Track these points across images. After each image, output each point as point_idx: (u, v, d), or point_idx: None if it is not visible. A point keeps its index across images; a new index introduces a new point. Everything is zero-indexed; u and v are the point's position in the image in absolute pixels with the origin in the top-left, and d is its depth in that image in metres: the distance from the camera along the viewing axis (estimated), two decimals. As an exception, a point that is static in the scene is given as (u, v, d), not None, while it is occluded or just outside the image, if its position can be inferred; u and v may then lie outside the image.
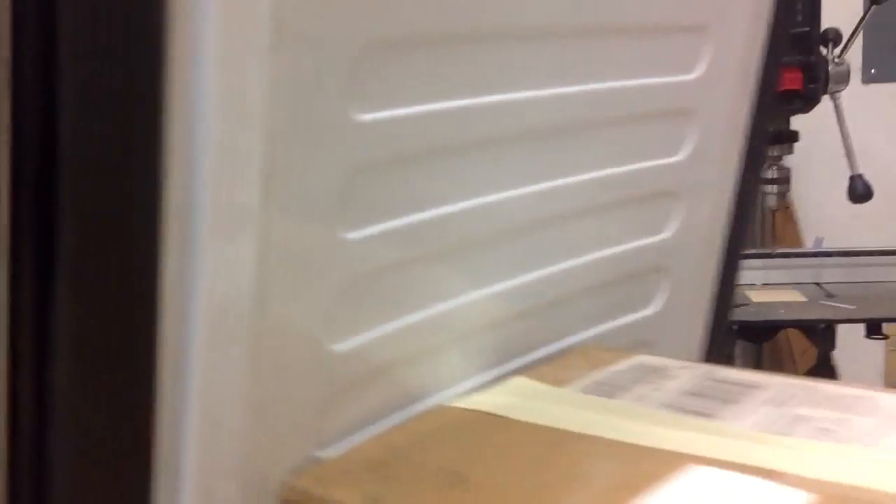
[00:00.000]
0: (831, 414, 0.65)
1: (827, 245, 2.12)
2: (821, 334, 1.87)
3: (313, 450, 0.61)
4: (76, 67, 0.45)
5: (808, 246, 2.24)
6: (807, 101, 1.81)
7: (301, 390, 0.59)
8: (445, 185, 0.66)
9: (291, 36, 0.53)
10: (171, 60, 0.48)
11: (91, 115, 0.47)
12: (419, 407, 0.68)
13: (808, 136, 1.91)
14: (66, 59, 0.45)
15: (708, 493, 0.55)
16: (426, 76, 0.62)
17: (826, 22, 1.83)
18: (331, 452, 0.62)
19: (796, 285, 1.90)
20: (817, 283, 1.89)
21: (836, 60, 1.83)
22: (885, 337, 1.83)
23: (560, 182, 0.75)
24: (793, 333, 2.04)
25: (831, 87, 1.84)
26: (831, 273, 1.92)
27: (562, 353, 0.78)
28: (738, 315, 1.78)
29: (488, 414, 0.67)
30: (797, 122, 1.86)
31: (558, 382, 0.72)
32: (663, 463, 0.59)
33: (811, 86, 1.80)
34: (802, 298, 1.84)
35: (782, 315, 1.79)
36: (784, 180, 1.86)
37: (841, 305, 1.79)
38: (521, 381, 0.72)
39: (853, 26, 1.88)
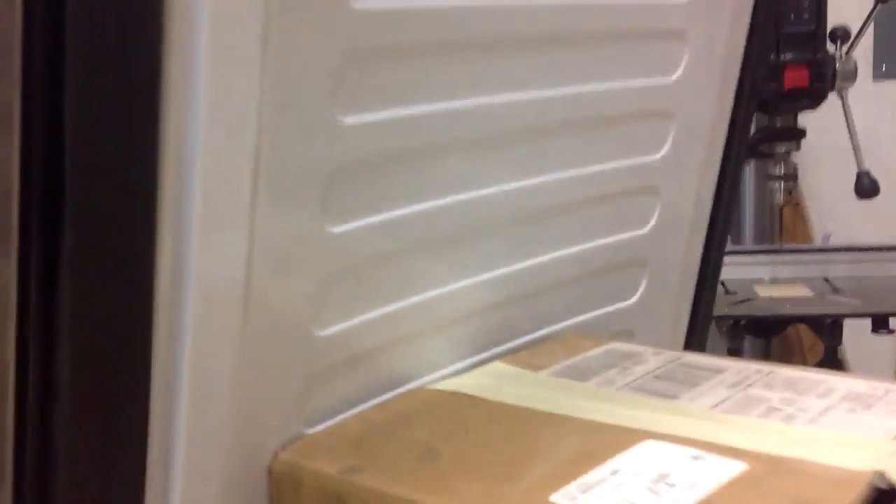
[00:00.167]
0: (784, 395, 0.71)
1: (837, 240, 2.16)
2: (827, 329, 1.92)
3: (300, 426, 0.67)
4: (81, 78, 0.52)
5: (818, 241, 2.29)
6: (813, 99, 1.86)
7: (287, 372, 0.65)
8: (428, 183, 0.72)
9: (278, 45, 0.59)
10: (167, 68, 0.55)
11: (93, 118, 0.53)
12: (402, 389, 0.74)
13: (818, 133, 1.96)
14: (71, 72, 0.51)
15: (654, 462, 0.61)
16: (408, 81, 0.68)
17: (836, 19, 1.88)
18: (317, 429, 0.68)
19: (804, 280, 1.94)
20: (825, 279, 1.94)
21: (843, 58, 1.88)
22: (892, 332, 1.87)
23: (542, 179, 0.81)
24: (802, 328, 2.08)
25: (838, 84, 1.89)
26: (839, 268, 1.96)
27: (541, 341, 0.84)
28: (745, 310, 1.83)
29: (464, 395, 0.73)
30: (809, 118, 1.90)
31: (533, 367, 0.78)
32: (619, 438, 0.65)
33: (817, 83, 1.85)
34: (809, 293, 1.89)
35: (788, 310, 1.83)
36: (791, 177, 1.91)
37: (847, 300, 1.84)
38: (498, 366, 0.78)
39: (858, 27, 1.93)
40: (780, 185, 1.93)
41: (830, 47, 1.90)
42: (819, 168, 2.26)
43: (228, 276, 0.59)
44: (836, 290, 1.91)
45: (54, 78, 0.52)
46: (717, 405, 0.70)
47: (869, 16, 1.84)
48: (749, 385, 0.73)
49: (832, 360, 1.92)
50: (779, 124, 1.91)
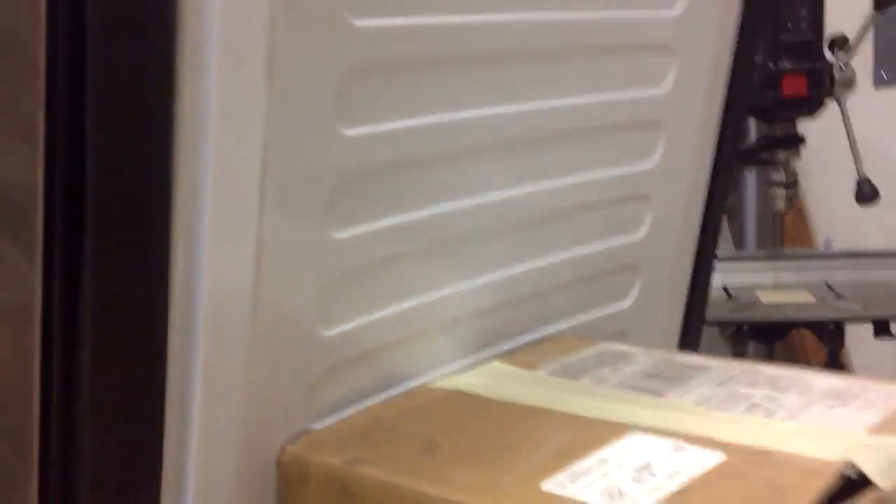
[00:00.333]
0: (766, 392, 0.76)
1: (840, 246, 2.21)
2: (829, 334, 1.97)
3: (307, 422, 0.72)
4: (102, 99, 0.57)
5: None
6: (812, 107, 1.91)
7: (294, 370, 0.70)
8: (427, 190, 0.77)
9: (283, 63, 0.64)
10: (180, 88, 0.60)
11: (112, 135, 0.58)
12: (404, 387, 0.79)
13: (821, 139, 2.01)
14: (92, 93, 0.56)
15: (639, 453, 0.66)
16: (407, 94, 0.73)
17: (834, 28, 1.93)
18: (323, 424, 0.73)
19: (806, 286, 1.99)
20: (827, 284, 1.98)
21: (842, 66, 1.92)
22: (894, 336, 1.91)
23: (537, 186, 0.86)
24: (806, 334, 2.13)
25: (837, 91, 1.94)
26: (841, 274, 2.00)
27: (538, 341, 0.89)
28: (747, 315, 1.87)
29: (464, 392, 0.78)
30: (812, 125, 1.95)
31: (530, 366, 0.83)
32: (608, 431, 0.70)
33: (816, 91, 1.89)
34: (811, 299, 1.93)
35: (790, 315, 1.88)
36: (792, 183, 1.95)
37: (849, 305, 1.88)
38: (496, 365, 0.83)
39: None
40: (781, 192, 1.97)
41: (829, 55, 1.94)
42: (822, 174, 2.30)
43: (238, 280, 0.64)
44: (838, 296, 1.96)
45: (76, 100, 0.57)
46: (702, 401, 0.74)
47: (867, 24, 1.89)
48: (733, 382, 0.77)
49: (835, 365, 1.97)
50: (778, 132, 1.95)
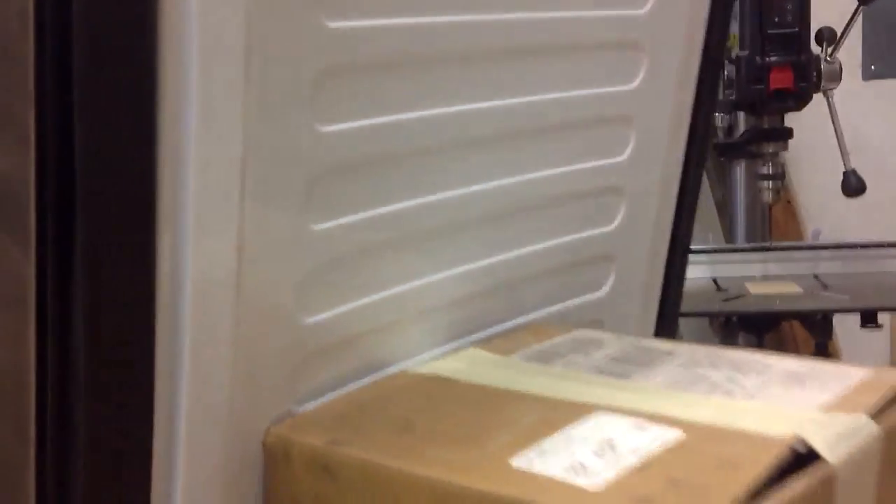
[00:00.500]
0: (728, 374, 0.81)
1: (829, 238, 2.26)
2: (817, 325, 2.01)
3: (291, 405, 0.77)
4: (89, 103, 0.62)
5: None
6: (798, 100, 1.96)
7: (277, 356, 0.75)
8: (404, 184, 0.82)
9: (259, 63, 0.69)
10: (162, 92, 0.65)
11: (99, 131, 0.63)
12: (385, 372, 0.83)
13: (809, 131, 2.06)
14: (80, 98, 0.61)
15: (602, 430, 0.71)
16: (382, 91, 0.78)
17: (822, 21, 1.98)
18: (306, 407, 0.78)
19: (794, 277, 2.03)
20: (815, 275, 2.02)
21: (828, 59, 1.97)
22: (880, 326, 1.96)
23: (512, 180, 0.91)
24: (796, 325, 2.17)
25: (824, 84, 1.98)
26: (828, 265, 2.05)
27: (515, 329, 0.94)
28: (735, 306, 1.92)
29: (441, 377, 0.83)
30: (800, 117, 2.00)
31: (505, 352, 0.88)
32: (575, 411, 0.74)
33: (802, 84, 1.94)
34: (799, 290, 1.98)
35: (778, 306, 1.92)
36: (779, 176, 2.00)
37: (836, 296, 1.93)
38: (473, 351, 0.88)
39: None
40: (768, 185, 2.02)
41: (816, 49, 1.99)
42: (811, 166, 2.35)
43: (221, 270, 0.68)
44: (825, 287, 2.00)
45: (64, 102, 0.62)
46: (667, 383, 0.79)
47: (851, 17, 1.94)
48: (697, 365, 0.82)
49: (823, 355, 2.01)
50: (766, 125, 2.00)
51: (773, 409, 0.73)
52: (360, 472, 0.70)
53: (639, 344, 0.88)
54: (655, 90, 0.97)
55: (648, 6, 0.94)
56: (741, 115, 2.06)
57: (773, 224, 2.30)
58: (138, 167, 0.63)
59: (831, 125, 1.96)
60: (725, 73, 1.95)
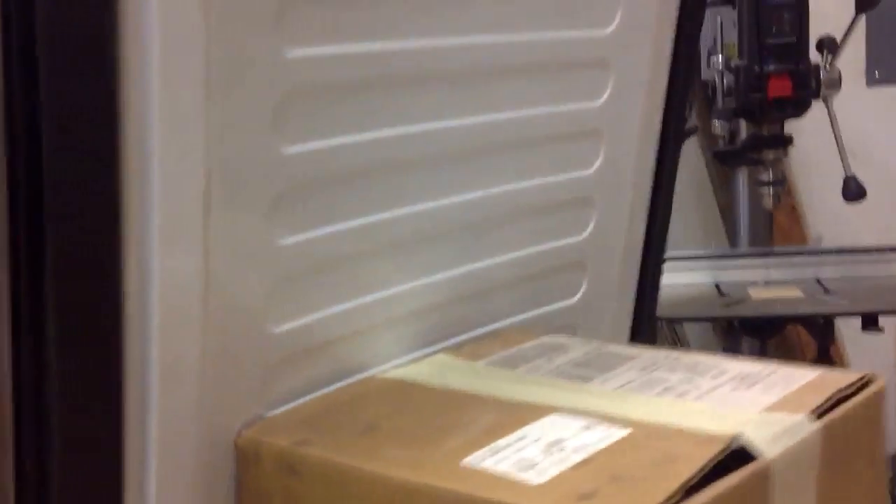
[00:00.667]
0: (683, 376, 0.85)
1: (834, 243, 2.29)
2: (819, 329, 2.05)
3: (261, 409, 0.81)
4: (55, 132, 0.67)
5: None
6: (797, 108, 1.99)
7: (246, 363, 0.79)
8: (371, 200, 0.86)
9: (221, 92, 0.73)
10: (125, 110, 0.69)
11: (66, 156, 0.68)
12: (356, 377, 0.88)
13: (814, 137, 2.09)
14: (46, 127, 0.66)
15: (554, 430, 0.75)
16: (346, 113, 0.82)
17: (824, 29, 2.01)
18: (277, 411, 0.83)
19: (796, 282, 2.07)
20: (817, 280, 2.06)
21: (828, 67, 2.00)
22: (881, 330, 1.99)
23: (482, 193, 0.95)
24: (801, 329, 2.20)
25: (823, 92, 2.02)
26: (830, 270, 2.08)
27: (486, 335, 0.98)
28: (735, 311, 1.96)
29: (407, 381, 0.87)
30: (805, 123, 2.03)
31: (473, 357, 0.92)
32: (530, 413, 0.79)
33: (801, 92, 1.98)
34: (800, 294, 2.01)
35: (778, 310, 1.95)
36: (780, 182, 2.03)
37: (837, 300, 1.96)
38: (442, 357, 0.92)
39: (853, 34, 2.05)
40: (769, 191, 2.06)
41: (817, 57, 2.02)
42: (815, 172, 2.38)
43: (188, 284, 0.73)
44: (827, 291, 2.03)
45: (32, 131, 0.67)
46: (623, 386, 0.84)
47: (850, 26, 1.97)
48: (655, 369, 0.86)
49: (825, 358, 2.04)
50: (766, 132, 2.03)
51: (718, 410, 0.77)
52: (324, 471, 0.75)
53: (603, 349, 0.92)
54: (623, 105, 1.01)
55: (614, 25, 0.98)
56: (743, 122, 2.09)
57: (778, 229, 2.33)
58: (104, 188, 0.68)
59: (840, 131, 1.99)
60: (725, 81, 1.98)
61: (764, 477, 0.70)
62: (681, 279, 2.05)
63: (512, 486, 0.68)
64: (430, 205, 0.90)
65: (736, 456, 0.70)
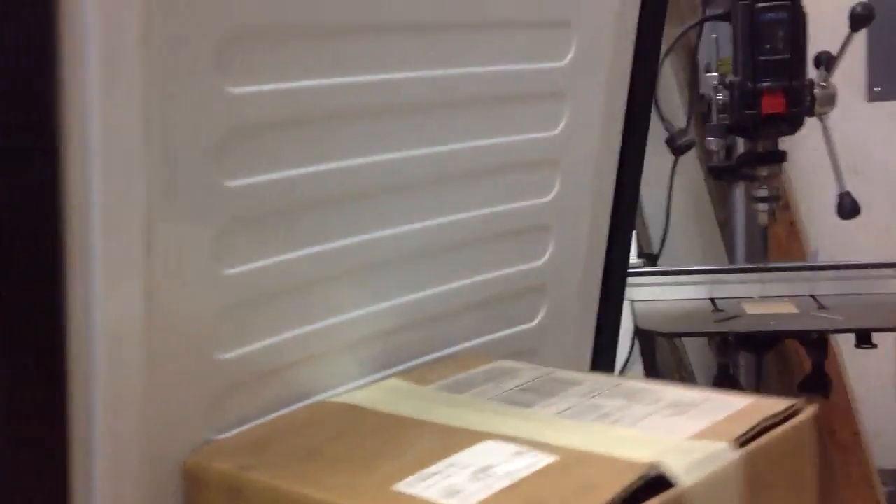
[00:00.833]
0: (620, 403, 0.88)
1: (832, 259, 2.31)
2: (813, 344, 2.08)
3: (210, 433, 0.85)
4: None
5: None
6: (791, 124, 2.02)
7: (191, 391, 0.83)
8: (319, 231, 0.90)
9: (161, 127, 0.77)
10: (66, 140, 0.73)
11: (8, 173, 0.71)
12: (308, 401, 0.92)
13: (814, 152, 2.12)
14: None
15: (485, 457, 0.79)
16: (291, 148, 0.86)
17: (826, 46, 2.04)
18: (227, 435, 0.87)
19: (792, 298, 2.09)
20: (812, 296, 2.08)
21: (823, 84, 2.03)
22: (875, 346, 2.01)
23: (435, 222, 0.99)
24: (797, 345, 2.23)
25: (818, 109, 2.05)
26: (826, 286, 2.10)
27: (441, 359, 1.02)
28: (728, 326, 1.98)
29: (356, 406, 0.91)
30: (804, 138, 2.06)
31: (423, 382, 0.96)
32: (466, 439, 0.82)
33: (794, 109, 2.01)
34: (795, 310, 2.04)
35: (771, 326, 1.98)
36: (774, 198, 2.06)
37: (831, 316, 1.99)
38: (393, 381, 0.96)
39: (854, 49, 2.08)
40: (763, 207, 2.09)
41: (815, 72, 2.05)
42: (813, 188, 2.41)
43: (130, 315, 0.77)
44: (822, 307, 2.06)
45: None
46: (562, 412, 0.87)
47: (844, 43, 2.00)
48: (596, 395, 0.90)
49: (819, 374, 2.07)
50: (760, 148, 2.06)
51: (645, 437, 0.81)
52: (266, 496, 0.79)
53: (551, 374, 0.95)
54: (580, 134, 1.04)
55: (569, 57, 1.02)
56: (739, 139, 2.12)
57: (777, 245, 2.36)
58: (46, 222, 0.72)
59: (834, 145, 2.02)
60: (719, 97, 2.01)
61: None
62: (676, 294, 2.08)
63: (436, 512, 0.71)
64: (384, 233, 0.94)
65: (658, 483, 0.73)
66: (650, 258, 2.37)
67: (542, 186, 1.04)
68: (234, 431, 0.86)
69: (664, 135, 2.08)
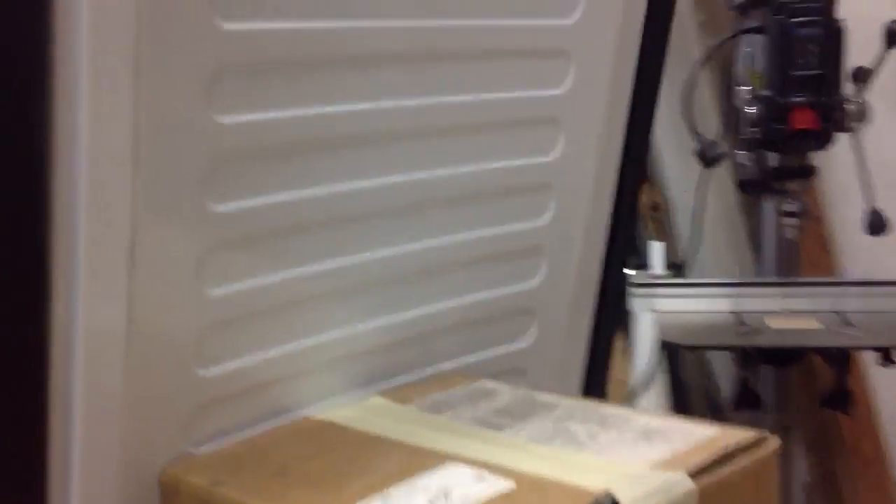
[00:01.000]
0: (591, 428, 0.91)
1: (861, 274, 2.31)
2: (835, 360, 2.08)
3: (188, 447, 0.88)
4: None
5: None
6: (821, 140, 2.03)
7: (170, 405, 0.86)
8: (307, 253, 0.93)
9: (151, 146, 0.81)
10: (54, 166, 0.76)
11: None
12: (290, 417, 0.95)
13: (847, 169, 2.12)
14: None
15: (446, 480, 0.82)
16: (278, 172, 0.89)
17: (864, 60, 2.04)
18: (206, 449, 0.90)
19: (817, 313, 2.10)
20: (837, 312, 2.08)
21: (856, 99, 2.03)
22: (895, 364, 2.01)
23: (427, 244, 1.02)
24: (821, 359, 2.24)
25: (849, 124, 2.05)
26: (853, 302, 2.11)
27: (427, 378, 1.05)
28: (751, 340, 2.00)
29: (333, 423, 0.94)
30: (838, 153, 2.06)
31: (404, 401, 0.99)
32: (432, 461, 0.85)
33: (825, 125, 2.01)
34: (818, 325, 2.04)
35: (793, 341, 1.99)
36: (803, 213, 2.07)
37: (853, 333, 1.99)
38: (375, 400, 0.99)
39: (892, 64, 2.08)
40: (792, 222, 2.09)
41: (851, 88, 2.05)
42: (845, 203, 2.41)
43: (111, 330, 0.80)
44: (846, 323, 2.06)
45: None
46: (532, 436, 0.90)
47: (880, 59, 2.00)
48: (568, 420, 0.92)
49: (841, 389, 2.08)
50: (790, 163, 2.07)
51: (606, 464, 0.83)
52: (234, 510, 0.82)
53: (529, 397, 0.98)
54: (574, 160, 1.07)
55: (566, 87, 1.04)
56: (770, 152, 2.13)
57: (808, 259, 2.36)
58: (32, 237, 0.75)
59: (867, 160, 2.02)
60: (750, 111, 2.02)
61: (628, 534, 0.75)
62: (701, 306, 2.10)
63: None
64: (373, 255, 0.97)
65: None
66: (678, 269, 2.38)
67: (535, 210, 1.06)
68: (214, 444, 0.89)
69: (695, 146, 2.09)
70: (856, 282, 2.12)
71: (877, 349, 1.99)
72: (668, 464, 0.82)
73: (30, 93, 0.74)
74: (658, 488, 0.78)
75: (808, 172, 2.06)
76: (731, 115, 2.15)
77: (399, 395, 0.99)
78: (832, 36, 2.00)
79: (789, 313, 2.07)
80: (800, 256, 2.21)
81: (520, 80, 1.02)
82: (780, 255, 2.20)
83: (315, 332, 0.94)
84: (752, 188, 2.15)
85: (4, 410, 0.77)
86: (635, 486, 0.78)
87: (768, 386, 2.18)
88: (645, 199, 2.41)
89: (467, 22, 0.96)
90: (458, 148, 1.00)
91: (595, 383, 1.16)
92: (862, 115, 2.05)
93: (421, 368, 1.04)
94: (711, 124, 2.25)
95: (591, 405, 0.95)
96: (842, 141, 2.02)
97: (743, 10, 2.10)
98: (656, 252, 2.09)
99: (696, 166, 2.10)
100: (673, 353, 2.28)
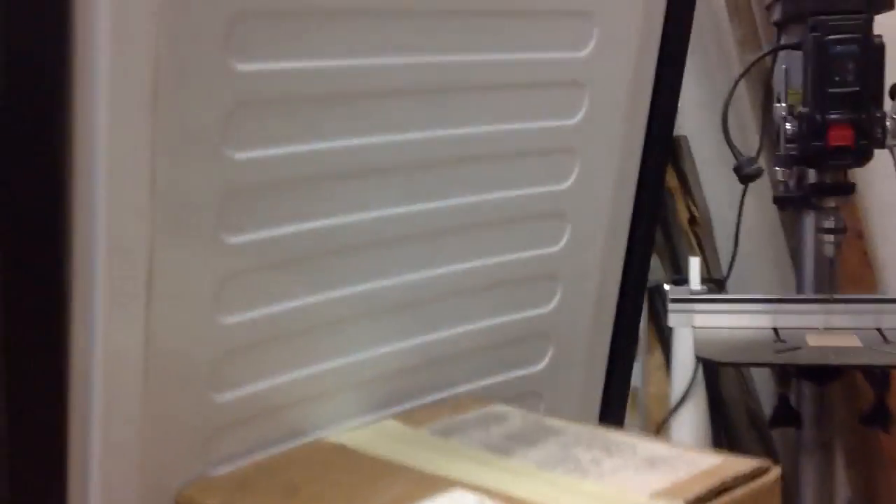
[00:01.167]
0: (595, 455, 0.93)
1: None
2: (876, 378, 2.10)
3: (205, 468, 0.92)
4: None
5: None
6: (858, 157, 2.04)
7: (187, 429, 0.90)
8: (322, 280, 0.96)
9: (166, 186, 0.84)
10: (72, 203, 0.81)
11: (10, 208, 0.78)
12: (302, 440, 0.99)
13: (890, 184, 2.13)
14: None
15: (445, 507, 0.85)
16: (290, 204, 0.93)
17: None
18: (222, 471, 0.94)
19: (856, 330, 2.11)
20: (878, 329, 2.10)
21: (894, 116, 2.04)
22: (934, 384, 2.02)
23: (441, 271, 1.04)
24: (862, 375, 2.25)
25: (889, 142, 2.06)
26: (892, 319, 2.12)
27: (441, 401, 1.08)
28: (789, 358, 2.01)
29: (344, 447, 0.97)
30: (878, 168, 2.07)
31: (417, 425, 1.02)
32: (437, 486, 0.88)
33: (863, 142, 2.02)
34: (857, 343, 2.05)
35: (832, 359, 2.00)
36: (841, 230, 2.08)
37: (893, 350, 2.00)
38: (388, 423, 1.02)
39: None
40: (830, 238, 2.11)
41: (889, 104, 2.06)
42: (889, 217, 2.41)
43: (129, 357, 0.84)
44: (886, 341, 2.07)
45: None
46: (537, 462, 0.92)
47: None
48: (575, 446, 0.95)
49: (881, 407, 2.09)
50: (828, 179, 2.08)
51: (606, 493, 0.86)
52: (243, 531, 0.86)
53: (539, 422, 1.01)
54: (590, 188, 1.09)
55: (580, 116, 1.07)
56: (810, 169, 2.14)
57: (849, 276, 2.37)
58: (49, 261, 0.79)
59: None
60: (788, 128, 2.03)
61: (621, 562, 0.78)
62: (739, 322, 2.11)
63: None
64: (388, 282, 1.00)
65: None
66: (717, 283, 2.40)
67: (551, 236, 1.09)
68: (229, 466, 0.92)
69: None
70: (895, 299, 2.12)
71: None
72: (667, 492, 0.84)
73: (52, 125, 0.77)
74: (654, 517, 0.80)
75: (846, 189, 2.07)
76: (770, 131, 2.16)
77: (411, 418, 1.02)
78: (870, 53, 2.01)
79: (828, 330, 2.08)
80: (839, 273, 2.22)
81: (535, 112, 1.04)
82: (819, 272, 2.21)
83: (330, 357, 0.97)
84: (790, 204, 2.16)
85: (24, 433, 0.80)
86: (632, 515, 0.80)
87: (807, 402, 2.19)
88: (685, 214, 2.42)
89: (482, 57, 0.98)
90: (474, 178, 1.03)
91: (613, 407, 1.18)
92: (901, 132, 2.05)
93: (436, 392, 1.06)
94: (752, 140, 2.26)
95: (600, 431, 0.97)
96: (885, 157, 2.02)
97: (782, 26, 2.12)
98: (693, 267, 2.11)
99: (737, 182, 2.11)
100: (712, 369, 2.30)
